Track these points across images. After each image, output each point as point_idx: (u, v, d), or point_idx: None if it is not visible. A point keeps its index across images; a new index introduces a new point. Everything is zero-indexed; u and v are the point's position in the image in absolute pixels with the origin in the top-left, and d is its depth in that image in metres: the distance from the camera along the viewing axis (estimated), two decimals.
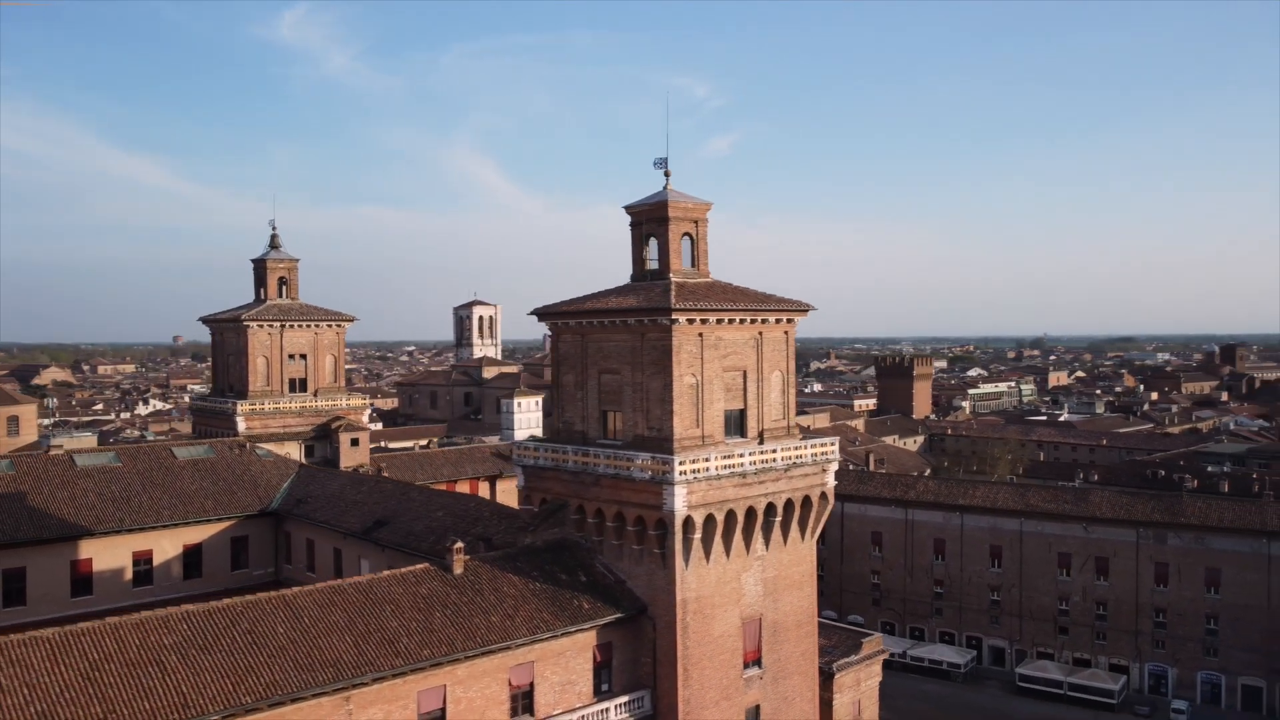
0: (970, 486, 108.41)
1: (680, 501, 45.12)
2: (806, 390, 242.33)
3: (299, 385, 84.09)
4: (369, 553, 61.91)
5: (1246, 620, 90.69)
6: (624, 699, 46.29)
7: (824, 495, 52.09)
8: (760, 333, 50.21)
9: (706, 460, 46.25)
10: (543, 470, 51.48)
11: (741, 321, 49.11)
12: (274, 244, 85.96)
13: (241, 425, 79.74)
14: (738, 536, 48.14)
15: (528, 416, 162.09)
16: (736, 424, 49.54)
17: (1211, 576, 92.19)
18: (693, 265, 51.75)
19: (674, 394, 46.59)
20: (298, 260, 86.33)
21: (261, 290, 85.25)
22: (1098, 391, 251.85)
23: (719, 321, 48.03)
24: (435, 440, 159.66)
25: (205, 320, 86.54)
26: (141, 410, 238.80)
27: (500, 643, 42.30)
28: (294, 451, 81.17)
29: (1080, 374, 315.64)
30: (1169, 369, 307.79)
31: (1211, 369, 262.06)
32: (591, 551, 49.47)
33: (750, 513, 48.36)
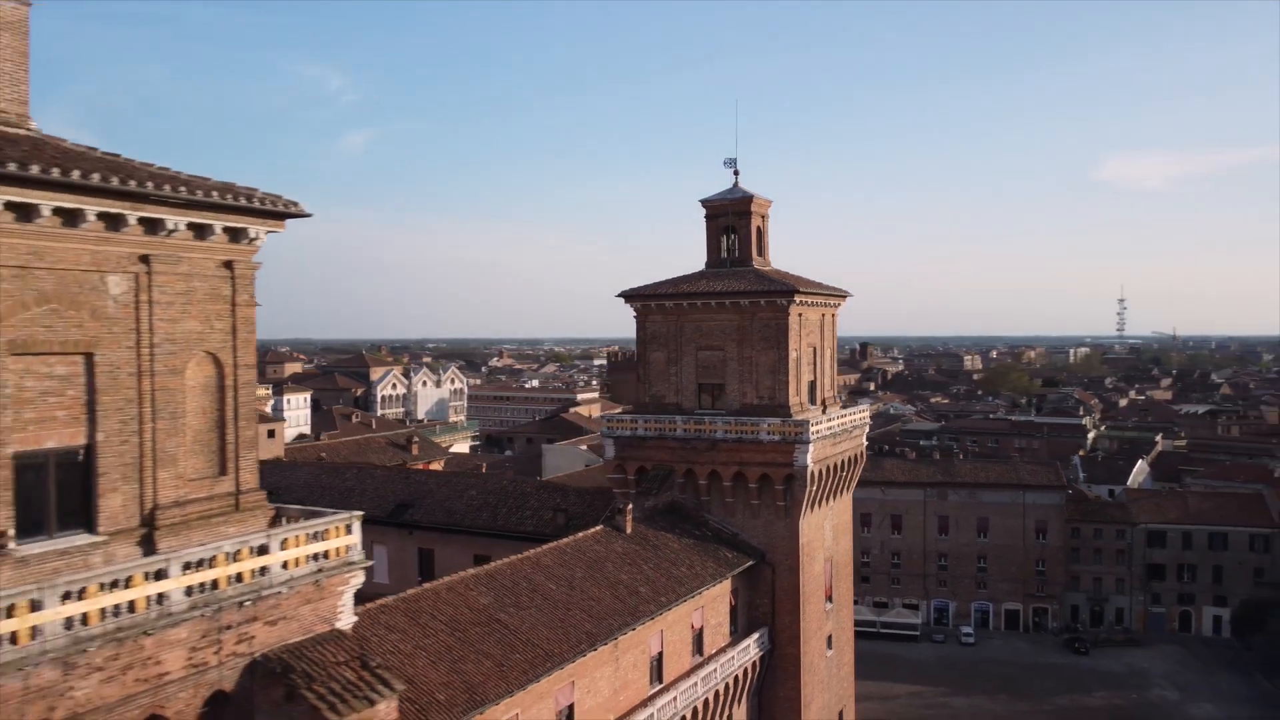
0: None
1: (810, 458, 52.17)
2: (529, 385, 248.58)
3: None
4: (387, 537, 61.49)
5: (1008, 558, 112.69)
6: (755, 636, 52.35)
7: (862, 454, 61.32)
8: (823, 315, 58.36)
9: (818, 423, 53.66)
10: (643, 440, 55.72)
11: (818, 304, 56.98)
12: None
13: None
14: (825, 490, 55.97)
15: (298, 414, 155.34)
16: (809, 393, 57.30)
17: (981, 524, 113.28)
18: (759, 255, 58.67)
19: (787, 366, 53.49)
20: None
21: None
22: None
23: (810, 304, 55.61)
24: None
25: None
26: None
27: (698, 589, 46.94)
28: None
29: None
30: None
31: (854, 363, 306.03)
32: (699, 510, 54.70)
33: (834, 468, 56.40)
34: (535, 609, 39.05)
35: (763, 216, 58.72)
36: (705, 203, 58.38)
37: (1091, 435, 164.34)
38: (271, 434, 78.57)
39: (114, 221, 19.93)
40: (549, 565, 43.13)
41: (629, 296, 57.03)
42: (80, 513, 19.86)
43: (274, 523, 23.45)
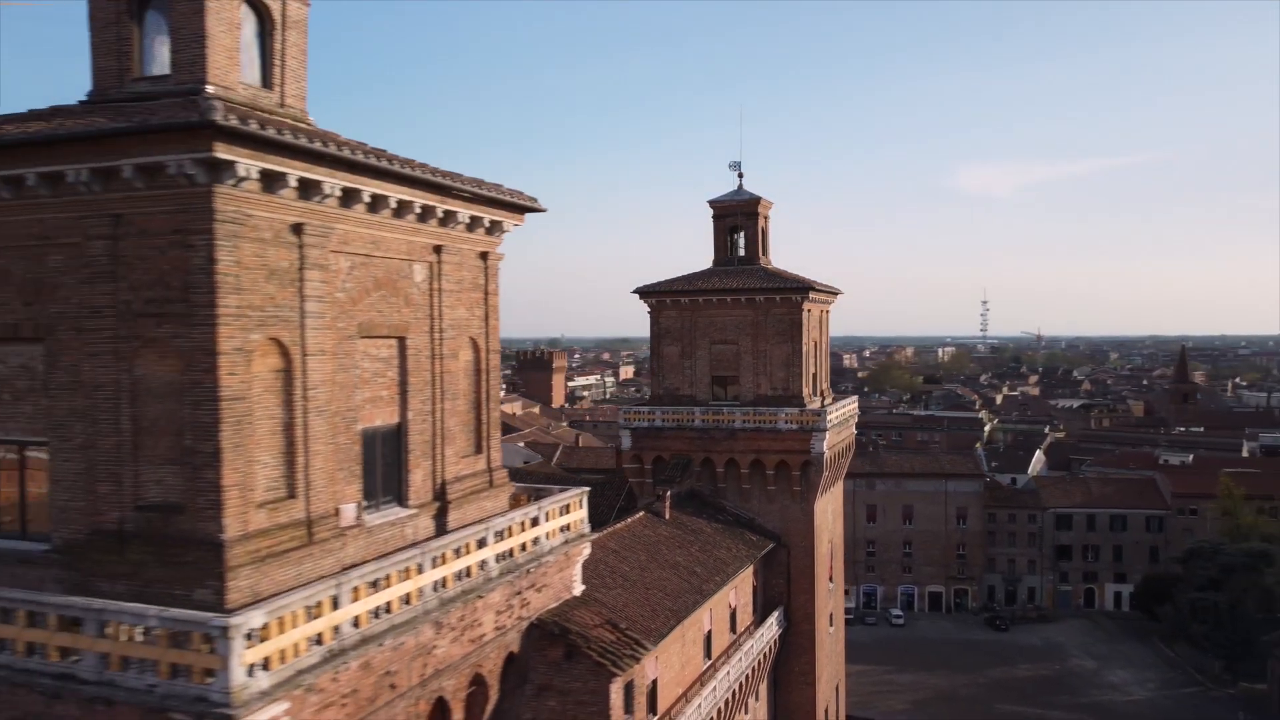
0: None
1: (825, 445, 55.47)
2: None
3: None
4: None
5: (930, 543, 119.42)
6: (775, 614, 55.34)
7: (853, 442, 65.12)
8: (822, 311, 61.87)
9: (831, 412, 57.02)
10: (660, 430, 57.90)
11: (820, 301, 60.42)
12: None
13: None
14: (831, 475, 59.45)
15: None
16: (813, 385, 60.70)
17: (907, 512, 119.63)
18: (763, 254, 61.73)
19: (801, 359, 56.69)
20: None
21: None
22: None
23: (817, 300, 58.99)
24: None
25: None
26: None
27: (739, 569, 49.58)
28: None
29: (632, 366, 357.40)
30: None
31: None
32: (715, 496, 57.33)
33: (837, 455, 59.92)
34: (620, 589, 40.87)
35: (765, 217, 61.76)
36: (714, 203, 60.98)
37: (988, 428, 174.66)
38: None
39: (426, 213, 21.19)
40: (615, 549, 44.92)
41: (644, 293, 59.10)
42: (394, 488, 21.03)
43: (512, 499, 24.93)
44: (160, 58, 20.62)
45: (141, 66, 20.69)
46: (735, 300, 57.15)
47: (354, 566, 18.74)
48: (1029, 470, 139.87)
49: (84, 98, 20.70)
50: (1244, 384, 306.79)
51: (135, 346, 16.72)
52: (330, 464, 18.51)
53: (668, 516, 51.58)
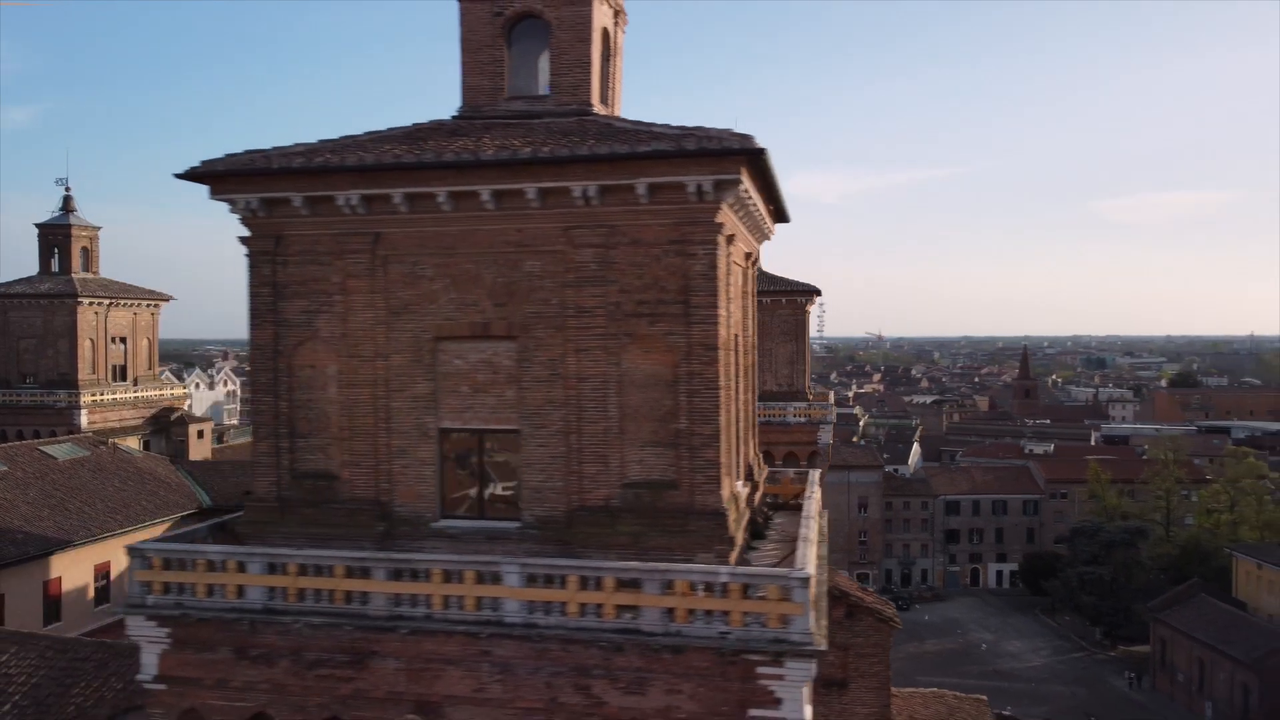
0: None
1: (829, 437, 59.91)
2: None
3: (119, 373, 73.47)
4: None
5: (836, 531, 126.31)
6: None
7: (832, 438, 69.88)
8: (808, 310, 66.36)
9: (831, 407, 61.53)
10: None
11: (815, 302, 64.92)
12: (69, 207, 73.33)
13: (85, 420, 68.27)
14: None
15: None
16: (803, 380, 65.11)
17: None
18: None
19: (805, 357, 60.99)
20: (100, 228, 74.73)
21: (53, 261, 72.35)
22: None
23: (815, 302, 63.45)
24: None
25: None
26: None
27: None
28: (134, 446, 71.44)
29: None
30: None
31: None
32: None
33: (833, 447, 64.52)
34: None
35: None
36: None
37: (862, 423, 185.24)
38: (201, 434, 74.70)
39: (758, 221, 23.83)
40: None
41: None
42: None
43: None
44: (532, 78, 22.50)
45: (509, 86, 22.47)
46: None
47: (756, 533, 21.31)
48: (909, 461, 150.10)
49: (455, 113, 22.32)
50: (1060, 380, 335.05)
51: (624, 343, 18.76)
52: (732, 445, 21.00)
53: None
